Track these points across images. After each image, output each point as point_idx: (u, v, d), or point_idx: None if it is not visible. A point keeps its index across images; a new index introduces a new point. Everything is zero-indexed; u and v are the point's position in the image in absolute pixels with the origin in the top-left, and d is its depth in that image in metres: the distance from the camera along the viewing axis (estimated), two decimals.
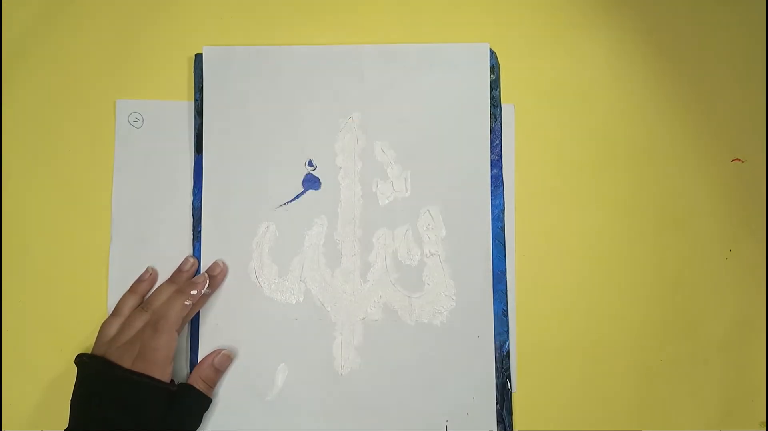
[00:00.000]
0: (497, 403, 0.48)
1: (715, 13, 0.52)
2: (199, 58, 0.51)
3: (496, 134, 0.50)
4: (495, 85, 0.51)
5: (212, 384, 0.47)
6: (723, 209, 0.50)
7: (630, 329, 0.50)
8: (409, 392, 0.48)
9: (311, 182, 0.50)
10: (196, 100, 0.51)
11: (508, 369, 0.48)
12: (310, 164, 0.50)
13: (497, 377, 0.48)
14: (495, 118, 0.51)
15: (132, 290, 0.49)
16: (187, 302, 0.45)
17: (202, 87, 0.51)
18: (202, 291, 0.46)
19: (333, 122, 0.50)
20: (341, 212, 0.50)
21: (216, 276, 0.48)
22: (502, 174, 0.50)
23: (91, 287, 0.50)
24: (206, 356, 0.48)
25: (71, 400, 0.44)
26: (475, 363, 0.48)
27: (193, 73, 0.51)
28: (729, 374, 0.49)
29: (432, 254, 0.49)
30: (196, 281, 0.47)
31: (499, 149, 0.50)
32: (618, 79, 0.51)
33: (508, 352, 0.49)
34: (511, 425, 0.48)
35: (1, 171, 0.51)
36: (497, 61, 0.51)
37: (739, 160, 0.51)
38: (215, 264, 0.49)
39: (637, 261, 0.50)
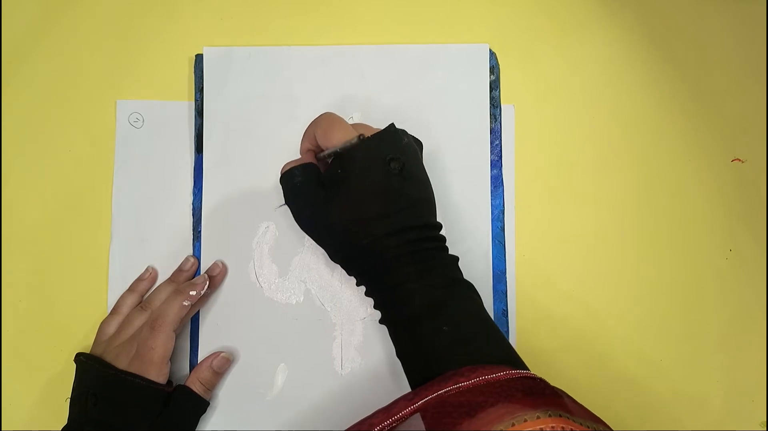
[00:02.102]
0: None
1: (715, 13, 0.52)
2: (199, 58, 0.51)
3: (495, 134, 0.50)
4: (495, 85, 0.51)
5: (210, 386, 0.47)
6: (723, 209, 0.50)
7: (630, 329, 0.50)
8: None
9: None
10: (196, 100, 0.51)
11: None
12: None
13: None
14: (495, 118, 0.51)
15: (131, 288, 0.49)
16: (185, 303, 0.45)
17: (202, 87, 0.51)
18: (201, 292, 0.46)
19: None
20: None
21: (215, 277, 0.48)
22: (502, 174, 0.50)
23: (91, 286, 0.50)
24: (205, 358, 0.47)
25: (70, 398, 0.45)
26: None
27: (193, 74, 0.51)
28: (729, 374, 0.49)
29: None
30: (196, 281, 0.46)
31: (498, 149, 0.50)
32: (618, 79, 0.51)
33: None
34: None
35: (1, 171, 0.51)
36: (497, 62, 0.51)
37: (739, 160, 0.51)
38: (215, 265, 0.49)
39: (637, 261, 0.50)
